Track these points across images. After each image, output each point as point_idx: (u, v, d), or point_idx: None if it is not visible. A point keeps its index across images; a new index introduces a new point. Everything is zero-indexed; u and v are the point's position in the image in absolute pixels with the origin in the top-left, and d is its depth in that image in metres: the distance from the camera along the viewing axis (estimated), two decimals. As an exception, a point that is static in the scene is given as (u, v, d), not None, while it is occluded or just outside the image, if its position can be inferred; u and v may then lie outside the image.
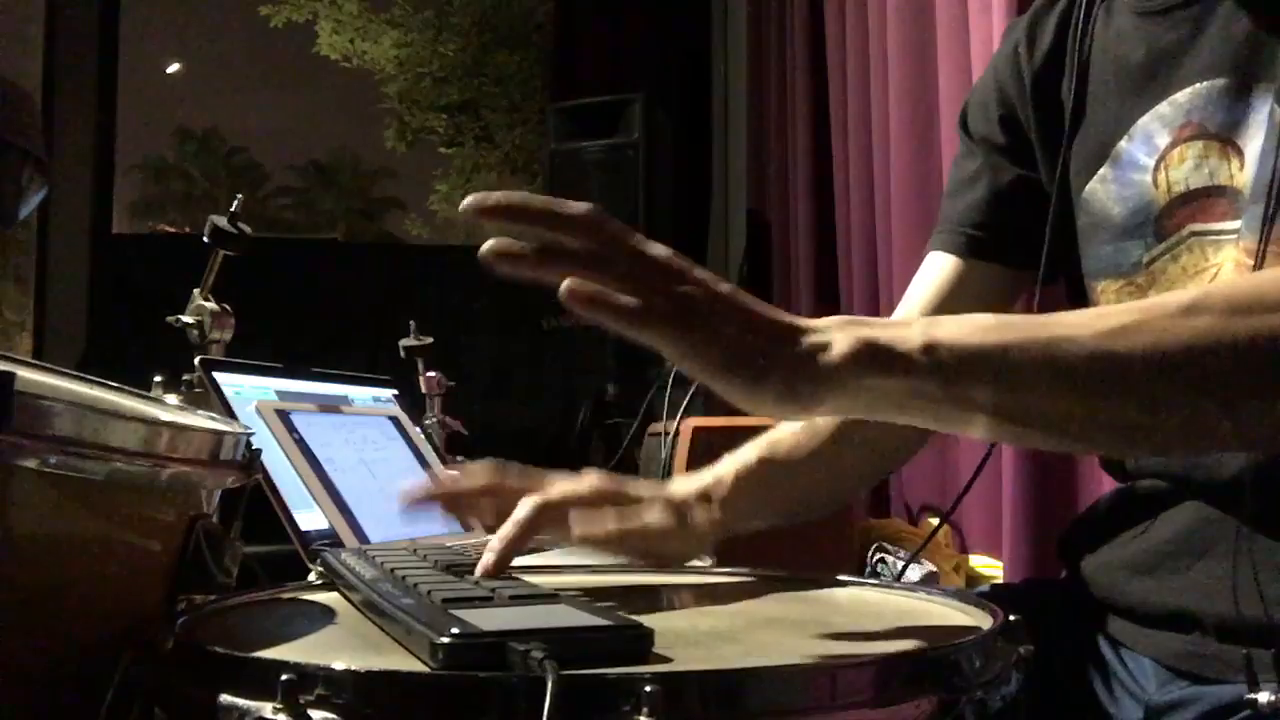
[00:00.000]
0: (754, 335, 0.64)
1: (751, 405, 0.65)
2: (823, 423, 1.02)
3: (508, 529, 0.81)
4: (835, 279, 3.00)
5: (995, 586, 1.30)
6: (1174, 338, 0.64)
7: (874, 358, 0.65)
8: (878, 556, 2.13)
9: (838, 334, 0.66)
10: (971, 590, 1.05)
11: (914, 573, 1.96)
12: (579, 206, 0.66)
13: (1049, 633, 0.93)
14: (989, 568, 2.13)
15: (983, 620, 0.67)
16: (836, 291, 2.99)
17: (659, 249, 0.67)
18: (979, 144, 1.07)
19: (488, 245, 0.65)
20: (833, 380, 0.64)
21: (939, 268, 1.07)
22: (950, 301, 1.06)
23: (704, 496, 0.90)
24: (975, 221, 1.06)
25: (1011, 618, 0.63)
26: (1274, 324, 0.65)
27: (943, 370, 0.65)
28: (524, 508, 0.82)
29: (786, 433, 1.00)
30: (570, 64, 4.62)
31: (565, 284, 0.62)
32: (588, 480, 0.87)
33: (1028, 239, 1.03)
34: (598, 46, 4.47)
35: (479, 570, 0.75)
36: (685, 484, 0.91)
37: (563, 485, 0.85)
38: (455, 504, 0.88)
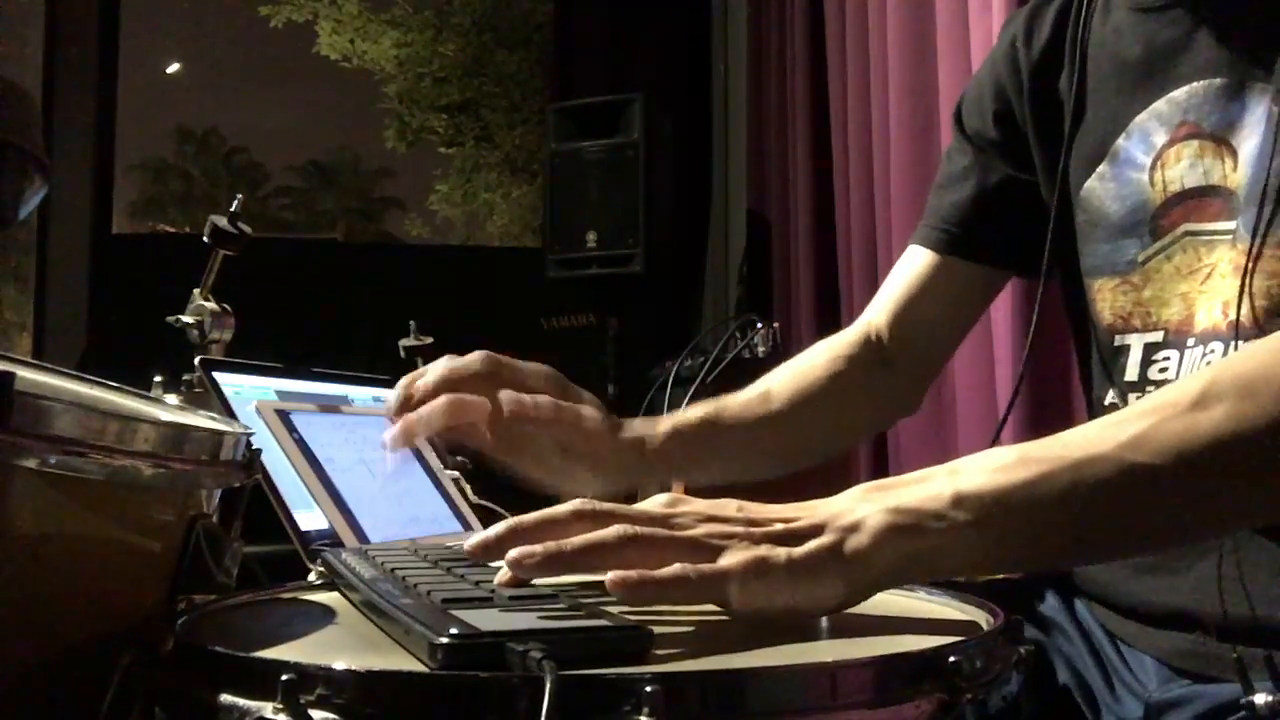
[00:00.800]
0: (788, 545, 0.63)
1: (801, 609, 0.63)
2: (778, 391, 1.04)
3: (452, 365, 0.85)
4: (835, 279, 3.00)
5: (993, 583, 1.30)
6: (1194, 434, 0.64)
7: (906, 526, 0.64)
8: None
9: (862, 508, 0.65)
10: (971, 587, 1.05)
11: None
12: (569, 505, 0.66)
13: (1049, 631, 0.93)
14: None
15: (983, 620, 0.67)
16: (836, 291, 2.99)
17: (657, 500, 0.67)
18: (971, 139, 1.08)
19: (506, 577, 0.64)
20: (869, 559, 0.63)
21: (917, 262, 1.10)
22: (925, 296, 1.09)
23: (637, 441, 0.91)
24: (958, 219, 1.07)
25: (1012, 617, 0.63)
26: None
27: (976, 519, 0.64)
28: (473, 358, 0.86)
29: (739, 396, 1.03)
30: (570, 64, 4.61)
31: (608, 578, 0.60)
32: (542, 371, 0.89)
33: (1008, 241, 1.05)
34: (598, 46, 4.46)
35: (390, 403, 0.79)
36: (628, 428, 0.93)
37: (523, 366, 0.89)
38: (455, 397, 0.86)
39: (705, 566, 0.62)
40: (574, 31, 4.64)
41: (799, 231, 3.32)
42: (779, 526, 0.64)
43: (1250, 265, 0.81)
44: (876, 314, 1.11)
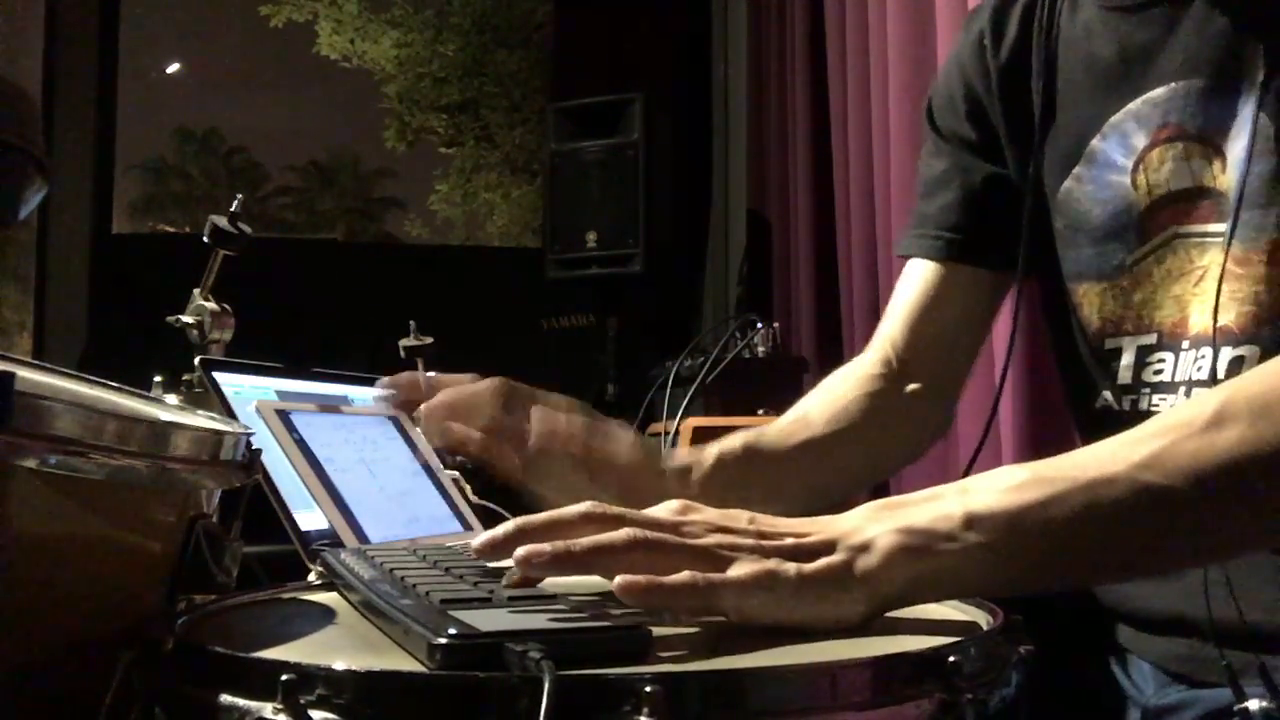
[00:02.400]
0: (798, 560, 0.63)
1: (808, 626, 0.63)
2: (815, 416, 1.02)
3: (467, 386, 0.84)
4: (835, 279, 3.00)
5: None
6: (1209, 456, 0.63)
7: (916, 547, 0.63)
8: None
9: (873, 528, 0.64)
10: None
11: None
12: (578, 507, 0.65)
13: (1048, 633, 0.93)
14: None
15: (983, 620, 0.67)
16: (836, 291, 2.99)
17: (667, 507, 0.66)
18: (948, 140, 1.06)
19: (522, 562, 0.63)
20: (879, 579, 0.63)
21: (920, 276, 1.07)
22: (936, 309, 1.06)
23: (681, 471, 0.90)
24: (951, 224, 1.05)
25: (1012, 618, 0.63)
26: None
27: (988, 541, 0.63)
28: (485, 383, 0.85)
29: (778, 424, 1.01)
30: (570, 64, 4.62)
31: (616, 582, 0.60)
32: (562, 396, 0.87)
33: (1006, 239, 1.02)
34: (598, 46, 4.46)
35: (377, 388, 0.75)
36: (668, 456, 0.92)
37: (540, 403, 0.87)
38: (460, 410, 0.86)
39: (714, 575, 0.61)
40: (574, 31, 4.64)
41: (799, 231, 3.32)
42: (789, 541, 0.64)
43: (1237, 270, 0.81)
44: (890, 333, 1.09)
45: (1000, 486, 0.65)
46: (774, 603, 0.61)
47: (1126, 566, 0.69)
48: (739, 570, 0.61)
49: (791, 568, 0.62)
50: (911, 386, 1.07)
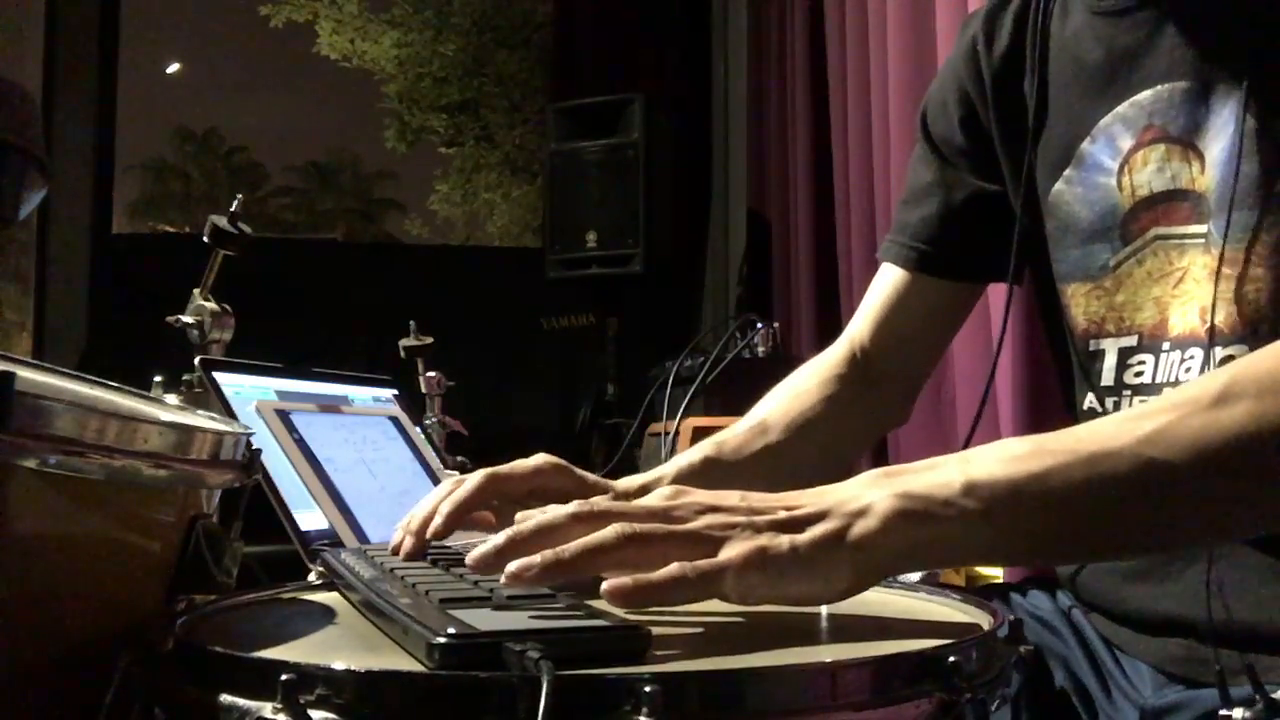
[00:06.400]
0: (791, 532, 0.62)
1: (805, 598, 0.63)
2: (774, 421, 1.04)
3: (454, 495, 0.81)
4: (835, 279, 3.00)
5: (993, 585, 1.30)
6: (1214, 432, 0.63)
7: (915, 512, 0.63)
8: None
9: (871, 493, 0.64)
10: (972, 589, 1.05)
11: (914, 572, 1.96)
12: (567, 508, 0.65)
13: (1048, 635, 0.93)
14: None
15: (983, 620, 0.67)
16: (836, 292, 2.99)
17: (660, 494, 0.66)
18: (938, 146, 1.07)
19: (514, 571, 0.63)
20: (875, 545, 0.62)
21: (889, 281, 1.11)
22: (902, 313, 1.10)
23: (643, 490, 0.89)
24: (926, 237, 1.08)
25: (1012, 618, 0.63)
26: None
27: (987, 510, 0.63)
28: (473, 478, 0.83)
29: (736, 432, 1.03)
30: (570, 64, 4.61)
31: (603, 588, 0.60)
32: (538, 459, 0.87)
33: (978, 254, 1.06)
34: (598, 46, 4.46)
35: (403, 551, 0.77)
36: (629, 480, 0.92)
37: (517, 464, 0.86)
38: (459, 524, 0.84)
39: (703, 563, 0.61)
40: (574, 31, 4.64)
41: (799, 231, 3.32)
42: (782, 514, 0.64)
43: (1225, 271, 0.81)
44: (859, 331, 1.13)
45: (1001, 456, 0.65)
46: (768, 580, 0.61)
47: (1125, 543, 0.69)
48: (730, 552, 0.61)
49: (784, 541, 0.62)
50: (874, 380, 1.12)
